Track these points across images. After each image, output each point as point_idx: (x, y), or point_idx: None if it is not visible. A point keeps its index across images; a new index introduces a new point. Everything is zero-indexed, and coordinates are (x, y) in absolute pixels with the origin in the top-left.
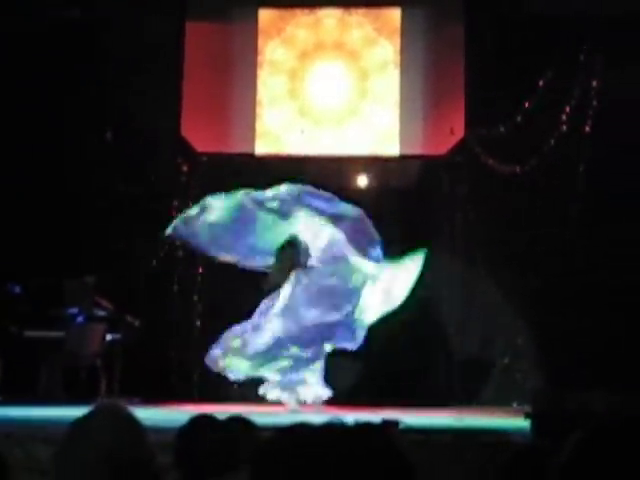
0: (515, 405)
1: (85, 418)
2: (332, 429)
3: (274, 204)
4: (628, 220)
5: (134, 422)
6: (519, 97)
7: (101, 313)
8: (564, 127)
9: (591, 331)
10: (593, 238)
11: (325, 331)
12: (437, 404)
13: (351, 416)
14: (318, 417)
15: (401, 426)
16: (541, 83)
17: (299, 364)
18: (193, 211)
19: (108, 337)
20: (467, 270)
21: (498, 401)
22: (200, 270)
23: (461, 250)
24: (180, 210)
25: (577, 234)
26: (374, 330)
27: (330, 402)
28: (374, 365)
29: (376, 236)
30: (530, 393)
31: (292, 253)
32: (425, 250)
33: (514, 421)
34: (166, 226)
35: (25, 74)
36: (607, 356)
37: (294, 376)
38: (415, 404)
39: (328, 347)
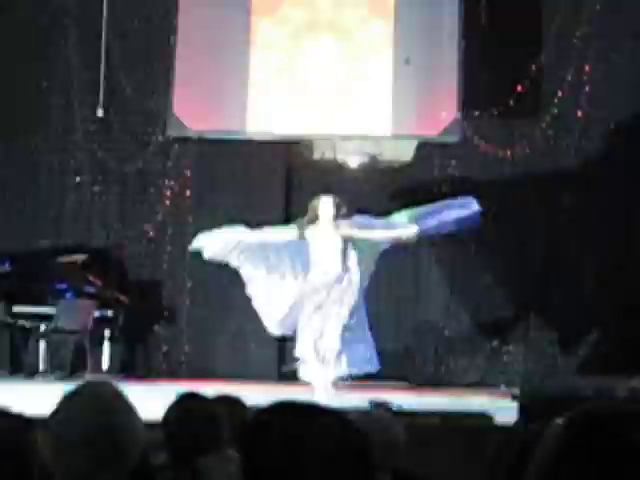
0: (502, 387)
1: (72, 395)
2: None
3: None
4: (618, 206)
5: (122, 400)
6: (511, 81)
7: (90, 289)
8: (556, 110)
9: (582, 314)
10: (584, 223)
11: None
12: (425, 385)
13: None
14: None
15: (393, 408)
16: (534, 67)
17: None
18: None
19: (96, 314)
20: (457, 252)
21: (486, 383)
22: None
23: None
24: (171, 188)
25: (568, 218)
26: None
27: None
28: None
29: None
30: (518, 376)
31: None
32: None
33: (501, 403)
34: (157, 204)
35: (14, 47)
36: (599, 340)
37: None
38: (403, 385)
39: None
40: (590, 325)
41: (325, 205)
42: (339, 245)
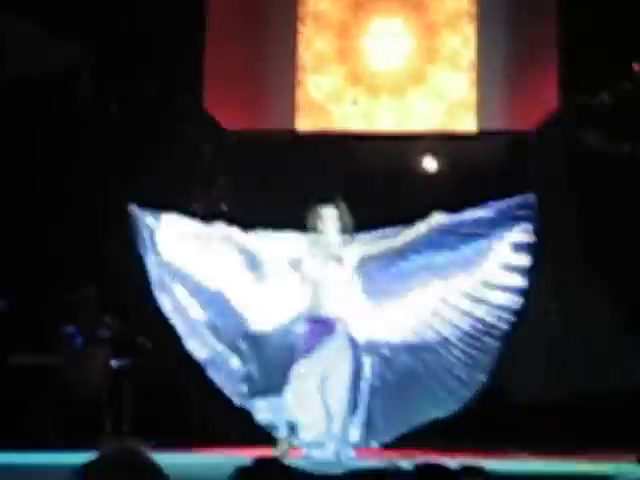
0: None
1: (91, 466)
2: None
3: None
4: None
5: (154, 470)
6: (626, 57)
7: (105, 333)
8: None
9: None
10: None
11: None
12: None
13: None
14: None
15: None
16: None
17: None
18: None
19: (114, 363)
20: (561, 277)
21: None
22: None
23: (555, 252)
24: (202, 202)
25: None
26: None
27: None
28: None
29: None
30: None
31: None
32: None
33: (625, 467)
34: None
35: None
36: None
37: None
38: (499, 447)
39: None
40: None
41: (326, 218)
42: (344, 282)
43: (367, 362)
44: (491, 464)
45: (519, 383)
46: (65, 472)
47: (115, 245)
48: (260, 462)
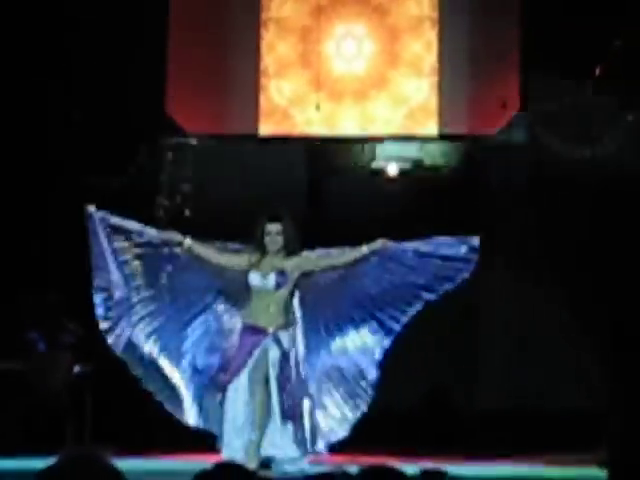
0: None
1: (50, 472)
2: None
3: None
4: None
5: (116, 476)
6: (588, 61)
7: (68, 339)
8: None
9: None
10: None
11: None
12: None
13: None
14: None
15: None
16: (617, 43)
17: None
18: None
19: (76, 369)
20: (524, 288)
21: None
22: None
23: (517, 260)
24: (164, 207)
25: None
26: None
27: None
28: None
29: None
30: (605, 438)
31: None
32: None
33: (585, 471)
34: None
35: None
36: None
37: None
38: (464, 452)
39: None
40: None
41: (271, 233)
42: (284, 293)
43: (297, 372)
44: (455, 469)
45: (481, 390)
46: (26, 478)
47: (79, 250)
48: (220, 467)
